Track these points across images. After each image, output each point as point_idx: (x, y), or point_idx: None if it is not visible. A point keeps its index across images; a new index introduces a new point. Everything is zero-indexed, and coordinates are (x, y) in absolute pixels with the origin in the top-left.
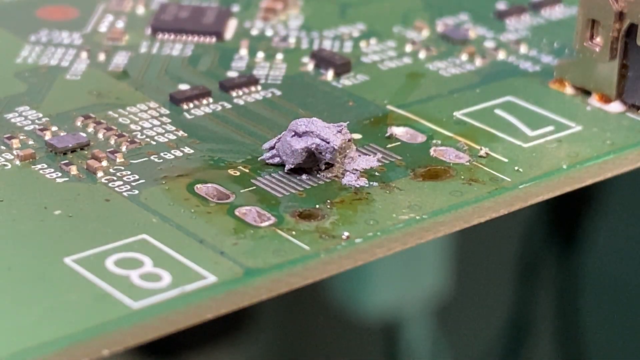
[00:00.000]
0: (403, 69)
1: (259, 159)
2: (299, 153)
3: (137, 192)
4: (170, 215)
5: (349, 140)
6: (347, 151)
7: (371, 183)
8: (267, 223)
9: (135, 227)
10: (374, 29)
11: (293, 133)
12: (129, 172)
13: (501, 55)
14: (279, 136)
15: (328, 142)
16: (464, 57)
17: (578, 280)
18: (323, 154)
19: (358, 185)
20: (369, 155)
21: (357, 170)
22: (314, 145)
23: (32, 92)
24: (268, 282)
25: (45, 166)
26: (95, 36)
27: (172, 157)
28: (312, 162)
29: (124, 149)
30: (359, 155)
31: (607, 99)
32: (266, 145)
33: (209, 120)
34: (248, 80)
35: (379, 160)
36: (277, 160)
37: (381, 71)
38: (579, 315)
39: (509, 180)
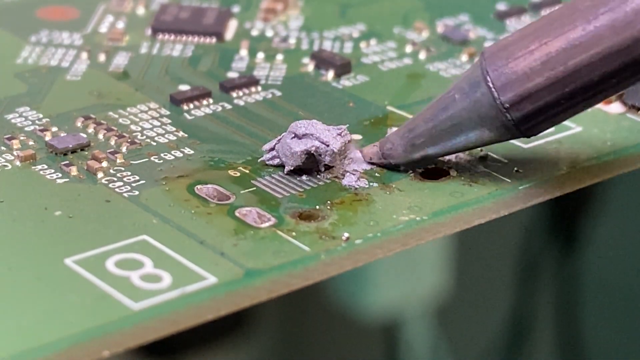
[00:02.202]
0: (403, 70)
1: (259, 160)
2: (299, 155)
3: (137, 192)
4: (170, 216)
5: (349, 142)
6: (347, 152)
7: (371, 184)
8: (267, 224)
9: (136, 228)
10: (374, 30)
11: (293, 135)
12: (129, 173)
13: None
14: (279, 137)
15: (328, 145)
16: (464, 57)
17: (578, 280)
18: (322, 156)
19: (358, 186)
20: None
21: (357, 171)
22: (313, 148)
23: (33, 93)
24: (268, 283)
25: (46, 167)
26: (95, 37)
27: (173, 157)
28: (311, 164)
29: (124, 149)
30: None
31: (607, 100)
32: (266, 147)
33: (209, 121)
34: (248, 81)
35: None
36: (277, 161)
37: (381, 72)
38: (579, 315)
39: (509, 181)
